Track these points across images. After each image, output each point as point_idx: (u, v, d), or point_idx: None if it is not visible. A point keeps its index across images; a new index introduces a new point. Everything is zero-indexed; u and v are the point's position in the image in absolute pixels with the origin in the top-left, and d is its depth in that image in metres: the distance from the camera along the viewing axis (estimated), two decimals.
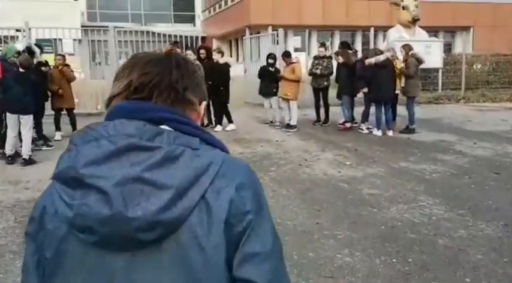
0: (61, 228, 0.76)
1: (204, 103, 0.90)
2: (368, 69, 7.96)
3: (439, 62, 15.04)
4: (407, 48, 8.39)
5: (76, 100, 11.96)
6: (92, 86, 11.74)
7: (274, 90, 8.87)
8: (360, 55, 9.52)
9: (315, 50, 21.85)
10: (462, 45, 24.27)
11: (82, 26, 17.08)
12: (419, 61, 8.34)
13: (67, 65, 8.15)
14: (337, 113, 9.39)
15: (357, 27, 25.48)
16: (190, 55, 8.01)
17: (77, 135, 0.78)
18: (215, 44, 30.92)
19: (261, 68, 9.43)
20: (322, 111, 9.34)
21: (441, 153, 6.75)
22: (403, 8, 18.28)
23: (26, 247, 0.83)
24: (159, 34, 11.83)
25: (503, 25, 27.50)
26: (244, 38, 13.77)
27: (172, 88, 0.82)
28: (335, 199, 4.69)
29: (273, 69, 8.90)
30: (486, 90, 15.88)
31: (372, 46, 16.35)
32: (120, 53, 12.78)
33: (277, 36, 11.75)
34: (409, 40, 12.63)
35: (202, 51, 8.88)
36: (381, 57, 7.84)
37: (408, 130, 8.27)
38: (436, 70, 15.55)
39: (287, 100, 8.73)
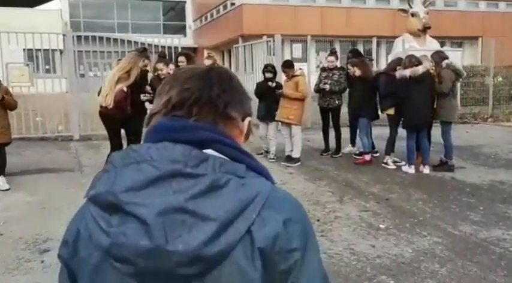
0: (94, 256, 0.70)
1: (248, 119, 0.83)
2: (400, 84, 5.92)
3: None
4: (438, 57, 6.21)
5: (38, 118, 9.97)
6: (64, 101, 9.60)
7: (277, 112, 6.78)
8: (375, 65, 7.53)
9: (314, 61, 20.13)
10: (471, 56, 22.73)
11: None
12: (459, 74, 6.26)
13: None
14: (344, 137, 7.35)
15: (358, 37, 23.69)
16: (162, 69, 5.89)
17: (117, 155, 0.74)
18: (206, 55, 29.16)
19: (258, 84, 7.22)
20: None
21: None
22: (412, 15, 16.02)
23: (60, 271, 0.78)
24: (149, 45, 9.92)
25: None
26: (234, 46, 11.78)
27: (212, 103, 0.77)
28: None
29: (273, 85, 6.78)
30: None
31: (374, 57, 14.50)
32: (104, 64, 10.92)
33: (273, 43, 9.75)
34: (424, 50, 10.71)
35: (181, 58, 6.77)
36: (420, 69, 5.79)
37: (447, 166, 6.17)
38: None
39: (288, 125, 6.67)
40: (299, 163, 6.60)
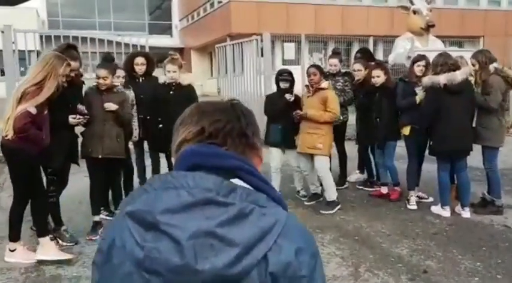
0: (126, 264, 0.77)
1: (263, 149, 0.94)
2: (431, 94, 4.31)
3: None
4: (484, 57, 4.51)
5: None
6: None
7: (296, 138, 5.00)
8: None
9: (307, 63, 18.51)
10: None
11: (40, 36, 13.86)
12: (510, 83, 4.62)
13: None
14: (349, 157, 5.72)
15: (354, 37, 22.18)
16: (106, 78, 3.98)
17: (157, 178, 0.81)
18: (194, 56, 27.37)
19: (270, 98, 5.27)
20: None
21: None
22: (414, 12, 14.29)
23: (92, 275, 0.84)
24: (134, 45, 8.43)
25: None
26: (216, 46, 10.14)
27: (243, 134, 0.88)
28: None
29: (292, 98, 4.87)
30: None
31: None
32: (85, 66, 9.28)
33: (262, 41, 8.17)
34: (427, 50, 9.14)
35: (140, 60, 5.06)
36: (458, 76, 4.18)
37: (494, 207, 4.54)
38: None
39: (311, 155, 4.84)
40: (338, 207, 4.77)
